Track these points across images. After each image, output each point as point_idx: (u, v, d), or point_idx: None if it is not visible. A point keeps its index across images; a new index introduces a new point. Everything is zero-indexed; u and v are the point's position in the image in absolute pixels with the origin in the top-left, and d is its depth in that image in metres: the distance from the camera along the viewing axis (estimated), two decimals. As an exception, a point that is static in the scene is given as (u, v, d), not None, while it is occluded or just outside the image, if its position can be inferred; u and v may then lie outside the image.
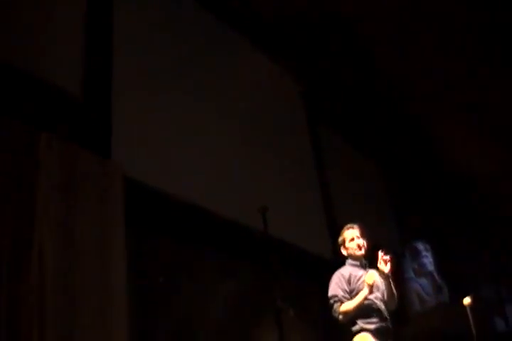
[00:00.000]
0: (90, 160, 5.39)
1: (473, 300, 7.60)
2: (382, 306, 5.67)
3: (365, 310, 5.55)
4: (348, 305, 5.49)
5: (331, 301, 5.59)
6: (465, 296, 7.67)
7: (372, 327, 5.50)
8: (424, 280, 11.92)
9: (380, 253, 5.64)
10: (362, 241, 5.84)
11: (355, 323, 5.52)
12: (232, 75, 8.44)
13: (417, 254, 12.18)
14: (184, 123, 7.13)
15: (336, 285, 5.64)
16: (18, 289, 4.32)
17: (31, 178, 4.75)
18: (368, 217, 10.99)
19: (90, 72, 6.00)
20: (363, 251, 5.81)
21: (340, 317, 5.51)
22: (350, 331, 5.56)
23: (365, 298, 5.51)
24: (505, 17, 9.03)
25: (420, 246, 12.34)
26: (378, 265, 5.66)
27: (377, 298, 5.67)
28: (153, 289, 6.08)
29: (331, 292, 5.64)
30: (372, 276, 5.53)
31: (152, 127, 6.65)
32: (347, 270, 5.76)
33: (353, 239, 5.84)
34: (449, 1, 8.90)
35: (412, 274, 11.77)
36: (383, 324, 5.58)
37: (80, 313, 4.70)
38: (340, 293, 5.55)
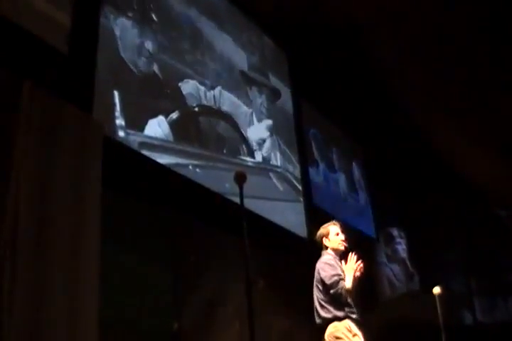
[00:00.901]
0: (71, 114, 5.32)
1: (443, 290, 7.59)
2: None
3: (339, 298, 5.71)
4: (348, 283, 5.67)
5: (336, 278, 5.70)
6: (435, 286, 7.65)
7: (354, 316, 5.68)
8: (396, 267, 11.96)
9: (360, 264, 5.77)
10: (344, 237, 6.12)
11: (341, 309, 5.69)
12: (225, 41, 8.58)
13: (390, 240, 12.23)
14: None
15: (333, 266, 5.83)
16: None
17: (11, 126, 4.70)
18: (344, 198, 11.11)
19: (77, 27, 5.91)
20: (344, 248, 6.05)
21: (344, 293, 5.67)
22: (331, 316, 5.69)
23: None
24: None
25: (395, 232, 12.38)
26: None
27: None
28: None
29: (331, 271, 5.78)
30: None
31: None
32: (332, 258, 5.99)
33: (337, 233, 6.09)
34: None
35: (384, 259, 11.79)
36: (359, 315, 5.76)
37: (50, 267, 4.68)
38: (341, 273, 5.74)
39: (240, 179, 4.51)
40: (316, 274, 5.90)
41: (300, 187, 9.36)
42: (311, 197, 9.60)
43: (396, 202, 12.63)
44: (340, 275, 5.72)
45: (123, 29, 6.68)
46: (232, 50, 8.69)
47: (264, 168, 8.59)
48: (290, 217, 8.81)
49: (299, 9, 9.64)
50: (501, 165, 12.78)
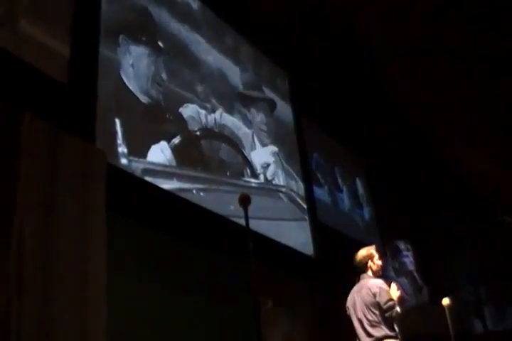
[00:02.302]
0: (73, 144, 5.34)
1: (452, 301, 7.63)
2: None
3: (391, 320, 6.06)
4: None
5: (391, 303, 6.01)
6: (444, 297, 7.69)
7: (393, 334, 5.97)
8: (404, 280, 11.94)
9: (394, 286, 6.28)
10: None
11: (393, 329, 6.01)
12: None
13: (397, 253, 12.23)
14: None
15: (387, 291, 6.12)
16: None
17: (13, 157, 4.72)
18: (349, 214, 11.11)
19: (76, 57, 5.96)
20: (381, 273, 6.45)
21: (396, 317, 6.04)
22: (384, 333, 5.97)
23: None
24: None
25: (401, 245, 12.38)
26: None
27: None
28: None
29: (386, 296, 6.05)
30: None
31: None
32: None
33: (378, 258, 6.42)
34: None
35: (392, 273, 11.80)
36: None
37: (58, 297, 4.69)
38: (394, 298, 6.10)
39: (245, 201, 4.57)
40: (367, 297, 6.11)
41: (305, 206, 9.41)
42: (316, 215, 9.62)
43: (401, 215, 12.63)
44: (394, 300, 6.05)
45: (123, 56, 6.76)
46: (231, 71, 8.74)
47: (268, 188, 8.61)
48: (296, 235, 8.82)
49: (298, 25, 9.72)
50: (505, 174, 12.81)
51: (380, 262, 6.37)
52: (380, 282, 6.18)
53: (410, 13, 9.34)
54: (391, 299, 6.03)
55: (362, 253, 6.40)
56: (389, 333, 5.91)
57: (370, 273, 6.31)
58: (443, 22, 9.31)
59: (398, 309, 6.02)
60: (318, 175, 10.51)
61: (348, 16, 9.63)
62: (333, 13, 9.51)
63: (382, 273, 6.40)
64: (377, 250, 6.47)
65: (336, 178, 11.18)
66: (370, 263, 6.33)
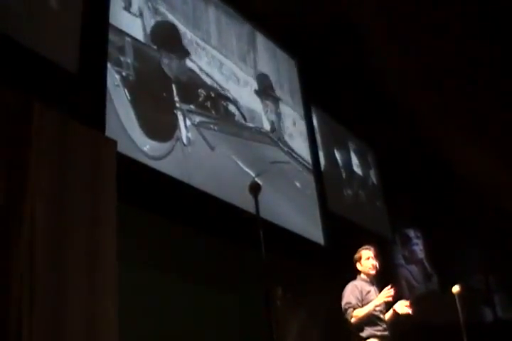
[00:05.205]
0: (83, 133, 5.37)
1: (462, 288, 7.62)
2: (384, 318, 6.32)
3: (374, 319, 6.15)
4: (361, 311, 6.09)
5: (346, 307, 6.16)
6: (454, 285, 7.68)
7: (379, 333, 6.10)
8: (414, 268, 11.97)
9: (404, 302, 6.35)
10: (375, 262, 6.49)
11: (363, 329, 6.10)
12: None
13: (407, 241, 12.25)
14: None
15: (350, 294, 6.23)
16: (8, 263, 4.33)
17: (24, 147, 4.74)
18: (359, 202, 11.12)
19: (86, 45, 5.97)
20: (374, 272, 6.44)
21: (353, 320, 6.10)
22: (358, 336, 6.14)
23: (375, 308, 6.15)
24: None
25: (411, 233, 12.39)
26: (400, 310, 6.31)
27: (382, 310, 6.31)
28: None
29: (345, 299, 6.21)
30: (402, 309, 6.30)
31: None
32: (359, 283, 6.38)
33: (368, 258, 6.46)
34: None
35: (401, 261, 11.81)
36: (387, 332, 6.20)
37: (68, 277, 4.74)
38: (354, 301, 6.14)
39: (255, 189, 4.59)
40: None
41: (315, 193, 9.40)
42: (326, 203, 9.62)
43: (411, 203, 12.63)
44: (350, 303, 6.15)
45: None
46: (243, 63, 8.77)
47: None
48: (306, 223, 8.84)
49: (305, 13, 9.70)
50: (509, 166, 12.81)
51: (368, 262, 6.44)
52: (350, 284, 6.35)
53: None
54: (347, 303, 6.16)
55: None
56: (360, 334, 6.09)
57: (362, 274, 6.46)
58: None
59: (352, 313, 6.09)
60: (336, 153, 10.58)
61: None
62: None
63: (376, 273, 6.45)
64: (373, 250, 6.52)
65: (349, 158, 11.24)
66: (357, 264, 6.50)
